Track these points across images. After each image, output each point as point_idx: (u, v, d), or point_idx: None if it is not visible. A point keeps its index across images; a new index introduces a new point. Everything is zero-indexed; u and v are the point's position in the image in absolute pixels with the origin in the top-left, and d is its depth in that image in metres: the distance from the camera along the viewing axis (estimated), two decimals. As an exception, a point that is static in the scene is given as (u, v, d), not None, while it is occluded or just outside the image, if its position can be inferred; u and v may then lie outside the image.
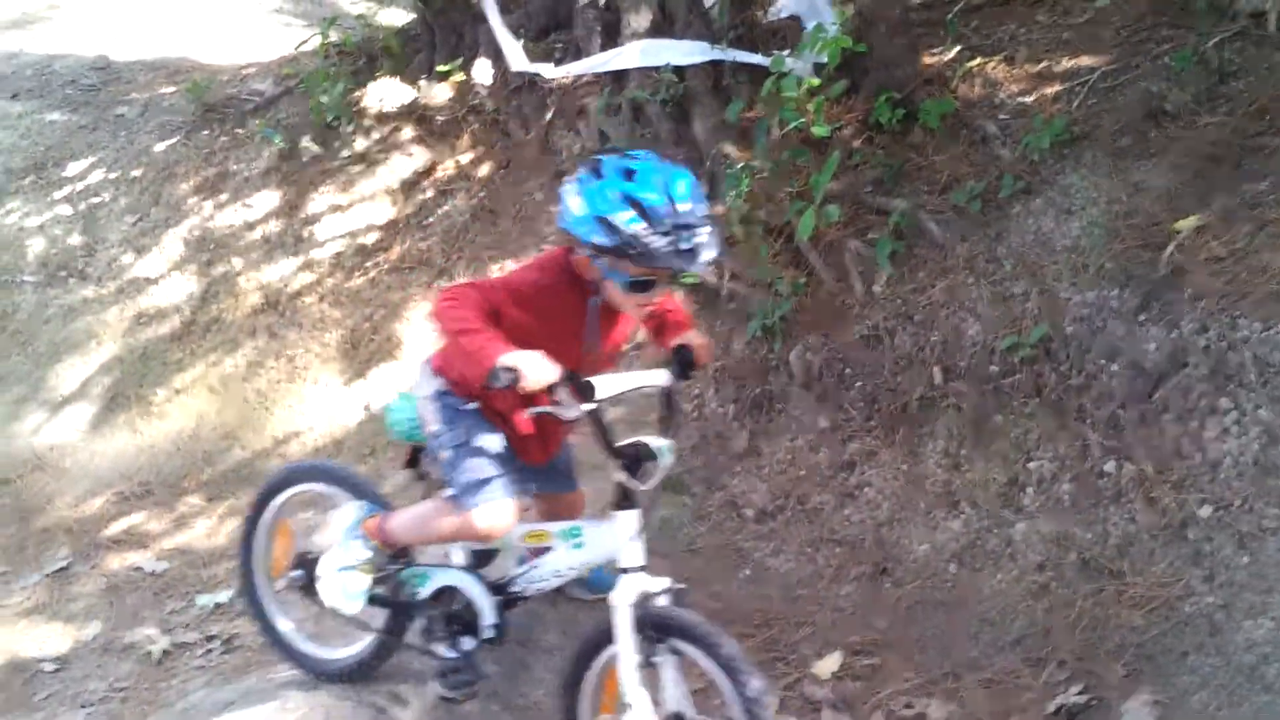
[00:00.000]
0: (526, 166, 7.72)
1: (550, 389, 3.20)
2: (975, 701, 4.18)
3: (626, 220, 3.20)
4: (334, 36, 8.95)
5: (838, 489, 5.33)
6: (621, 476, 3.38)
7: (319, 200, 8.11)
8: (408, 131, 8.19)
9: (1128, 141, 5.34)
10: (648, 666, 3.35)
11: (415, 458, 4.01)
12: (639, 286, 3.36)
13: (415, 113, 8.20)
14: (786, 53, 6.36)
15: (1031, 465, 4.86)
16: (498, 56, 8.07)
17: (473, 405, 3.62)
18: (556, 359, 3.20)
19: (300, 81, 8.80)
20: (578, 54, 7.90)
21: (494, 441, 3.60)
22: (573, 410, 3.31)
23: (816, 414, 5.57)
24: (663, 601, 3.38)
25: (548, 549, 3.71)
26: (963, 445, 5.09)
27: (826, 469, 5.41)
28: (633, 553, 3.41)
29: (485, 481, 3.53)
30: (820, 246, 5.87)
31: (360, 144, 8.18)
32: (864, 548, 5.05)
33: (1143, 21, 5.91)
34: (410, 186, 8.03)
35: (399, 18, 10.15)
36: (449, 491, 3.62)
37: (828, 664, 4.52)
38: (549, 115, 7.71)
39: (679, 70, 7.03)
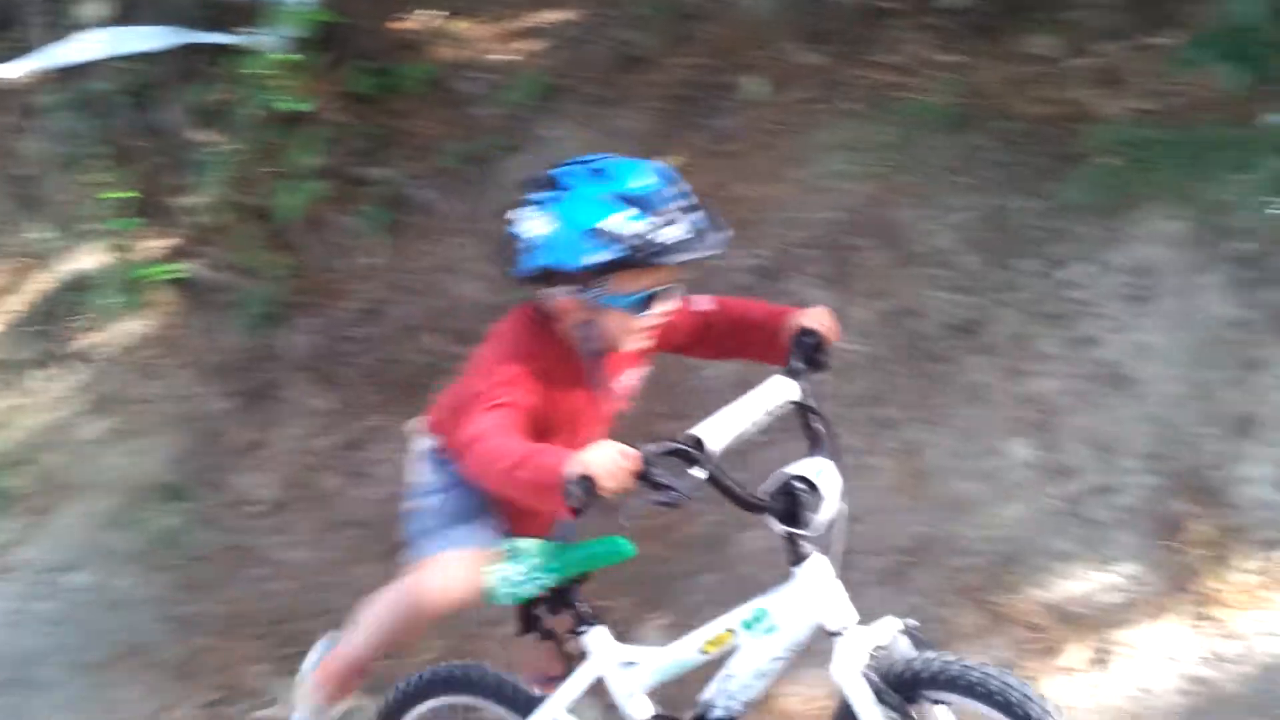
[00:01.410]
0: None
1: (644, 475, 2.40)
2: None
3: (628, 219, 2.62)
4: None
5: (349, 470, 5.22)
6: (784, 529, 2.67)
7: None
8: None
9: (603, 90, 5.56)
10: None
11: (529, 619, 3.18)
12: (648, 302, 2.77)
13: None
14: (258, 30, 6.23)
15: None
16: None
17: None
18: (587, 436, 2.71)
19: None
20: (30, 50, 7.42)
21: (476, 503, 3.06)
22: (688, 484, 2.44)
23: (320, 396, 5.45)
24: (902, 648, 2.70)
25: (734, 650, 2.87)
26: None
27: (335, 451, 5.30)
28: (838, 609, 2.69)
29: (442, 529, 3.04)
30: (310, 225, 5.78)
31: None
32: (379, 526, 4.98)
33: (615, -31, 6.18)
34: None
35: None
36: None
37: (350, 650, 4.42)
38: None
39: (148, 57, 6.74)
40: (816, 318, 2.93)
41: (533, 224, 2.72)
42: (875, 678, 2.61)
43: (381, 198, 5.63)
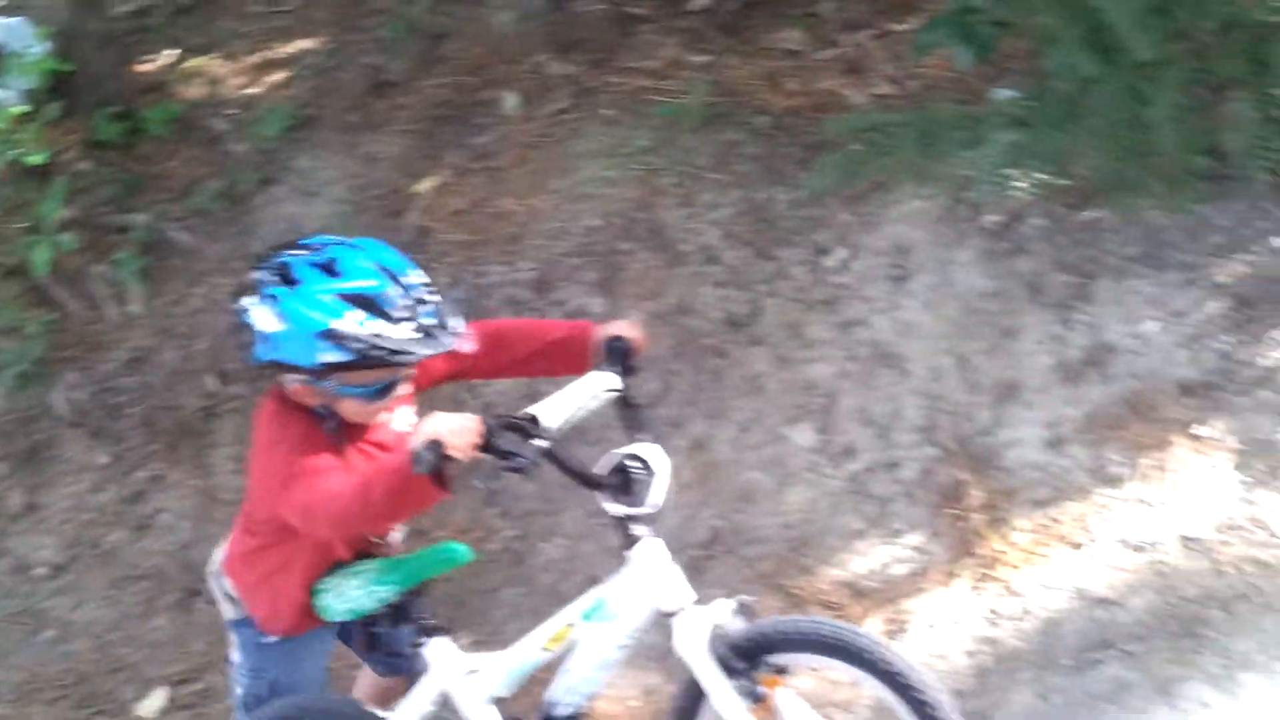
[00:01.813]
0: None
1: (487, 444, 2.46)
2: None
3: (359, 322, 2.61)
4: None
5: (131, 523, 5.07)
6: (620, 508, 2.72)
7: None
8: None
9: (356, 117, 5.53)
10: (758, 702, 2.68)
11: (371, 638, 3.09)
12: (382, 391, 2.78)
13: None
14: (-11, 84, 6.02)
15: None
16: None
17: (273, 639, 3.10)
18: None
19: None
20: None
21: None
22: (532, 453, 2.49)
23: (93, 451, 5.28)
24: (737, 624, 2.74)
25: (574, 644, 2.87)
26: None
27: (116, 505, 5.14)
28: (675, 588, 2.72)
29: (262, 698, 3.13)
30: (64, 278, 5.59)
31: None
32: (169, 575, 4.86)
33: (353, -2, 6.17)
34: None
35: None
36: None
37: (152, 702, 4.40)
38: None
39: None
40: (623, 328, 2.98)
41: (263, 317, 2.67)
42: (721, 649, 2.65)
43: (138, 243, 5.49)
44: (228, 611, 3.17)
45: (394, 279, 2.68)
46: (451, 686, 2.95)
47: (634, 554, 2.73)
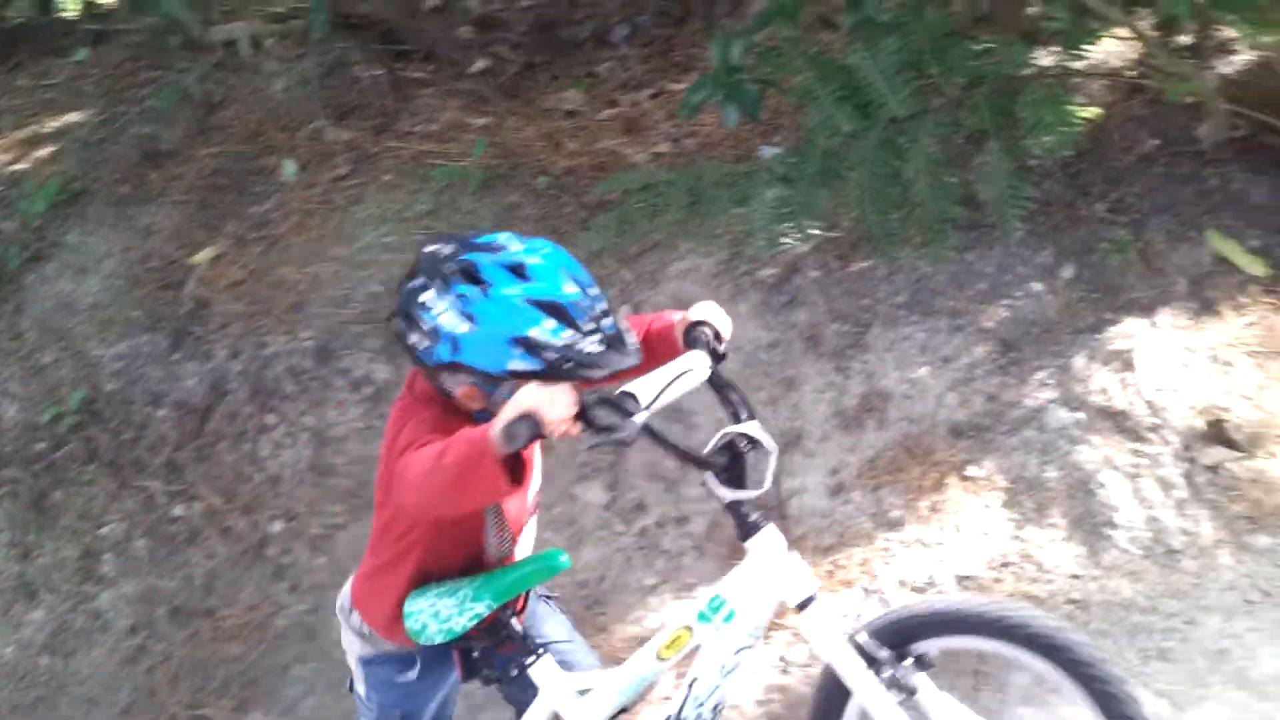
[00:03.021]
0: None
1: (585, 415, 2.31)
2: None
3: (551, 331, 2.46)
4: None
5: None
6: (731, 492, 2.54)
7: None
8: None
9: (129, 188, 5.47)
10: (910, 695, 2.53)
11: (468, 664, 2.89)
12: None
13: None
14: None
15: (104, 531, 4.78)
16: None
17: (412, 675, 2.87)
18: (511, 511, 2.71)
19: None
20: None
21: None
22: (631, 429, 2.34)
23: None
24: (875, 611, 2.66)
25: (695, 649, 2.70)
26: (28, 532, 4.90)
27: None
28: (800, 577, 2.56)
29: None
30: None
31: None
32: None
33: (123, 68, 6.08)
34: None
35: None
36: None
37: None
38: None
39: None
40: (704, 311, 2.80)
41: (449, 317, 2.49)
42: (863, 640, 2.52)
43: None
44: (356, 648, 2.94)
45: (582, 287, 2.52)
46: (563, 708, 2.78)
47: (753, 543, 2.57)
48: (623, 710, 2.78)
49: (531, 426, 2.20)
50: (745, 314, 4.49)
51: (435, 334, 2.48)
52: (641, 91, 5.58)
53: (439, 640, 2.70)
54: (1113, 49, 4.98)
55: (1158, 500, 4.00)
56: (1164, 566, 3.86)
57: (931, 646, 2.53)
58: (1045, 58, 4.52)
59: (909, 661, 2.52)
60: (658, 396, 2.44)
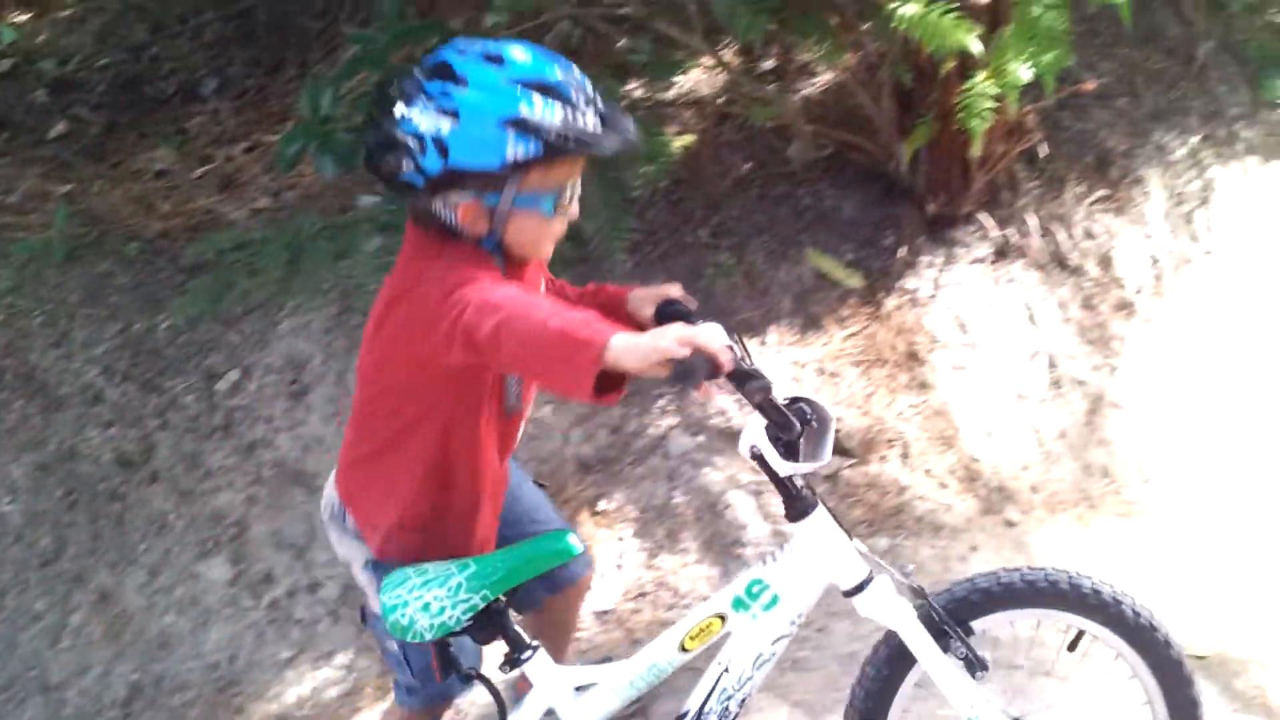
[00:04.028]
0: None
1: (737, 363, 2.17)
2: None
3: (543, 109, 2.24)
4: None
5: None
6: (790, 466, 2.35)
7: None
8: None
9: None
10: (984, 670, 2.49)
11: (447, 660, 2.59)
12: (556, 206, 2.38)
13: None
14: None
15: None
16: None
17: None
18: None
19: None
20: None
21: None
22: (767, 380, 2.23)
23: None
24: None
25: (725, 637, 2.54)
26: None
27: None
28: (854, 562, 2.46)
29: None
30: None
31: None
32: None
33: None
34: None
35: None
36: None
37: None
38: None
39: None
40: (670, 290, 2.71)
41: (429, 120, 2.28)
42: (933, 616, 2.50)
43: None
44: (359, 554, 2.65)
45: (565, 69, 2.33)
46: (560, 706, 2.61)
47: (804, 525, 2.47)
48: (633, 702, 2.67)
49: (709, 369, 2.09)
50: (352, 368, 4.41)
51: (419, 144, 2.29)
52: (236, 145, 5.43)
53: (429, 637, 2.46)
54: (702, 78, 5.17)
55: (781, 514, 4.15)
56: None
57: (996, 619, 2.55)
58: (637, 90, 4.65)
59: (972, 638, 2.51)
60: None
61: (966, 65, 4.02)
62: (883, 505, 4.23)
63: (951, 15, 3.74)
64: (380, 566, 2.57)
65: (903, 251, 4.67)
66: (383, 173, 2.38)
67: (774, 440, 2.36)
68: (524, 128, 2.25)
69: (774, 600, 2.52)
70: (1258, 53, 5.57)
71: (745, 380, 2.22)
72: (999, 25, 4.09)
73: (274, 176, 5.09)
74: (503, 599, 2.51)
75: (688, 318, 2.60)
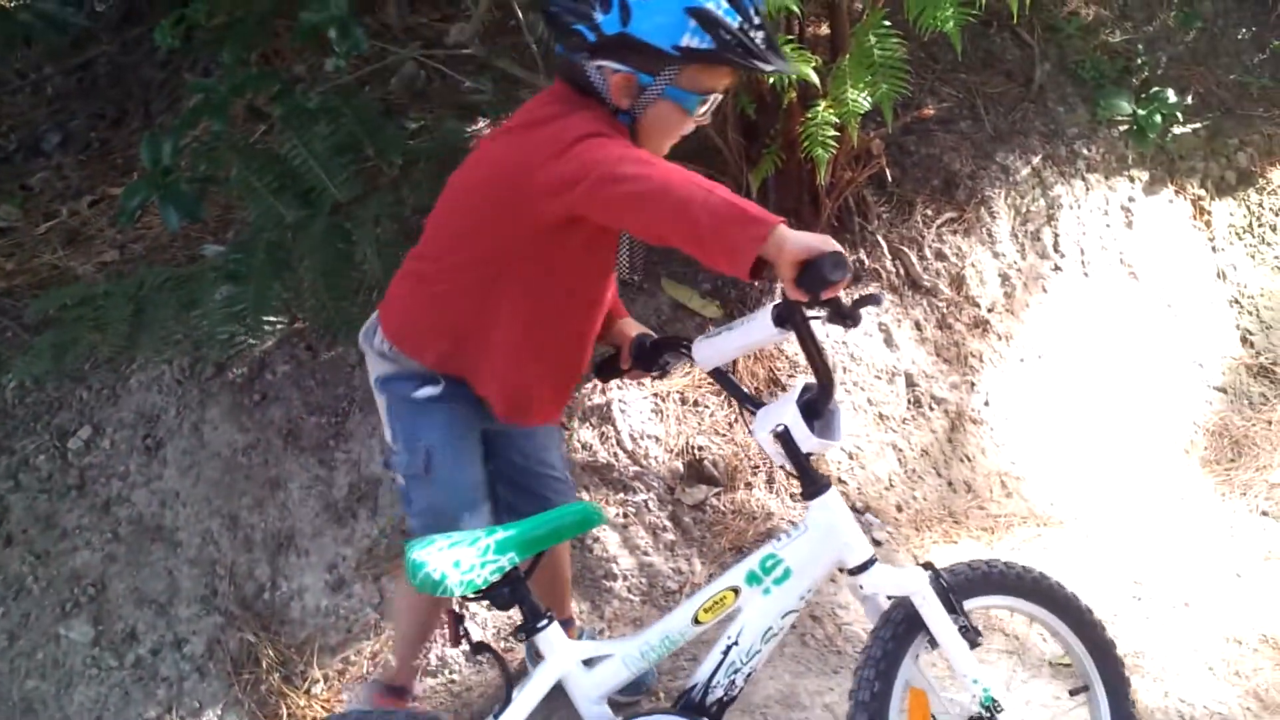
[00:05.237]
0: None
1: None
2: None
3: (725, 10, 2.45)
4: None
5: None
6: (820, 442, 2.56)
7: None
8: None
9: None
10: (978, 644, 2.68)
11: (458, 629, 2.68)
12: (702, 106, 2.62)
13: None
14: None
15: None
16: None
17: (434, 391, 2.80)
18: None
19: None
20: None
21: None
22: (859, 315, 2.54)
23: None
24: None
25: (736, 612, 2.68)
26: None
27: None
28: (860, 541, 2.65)
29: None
30: None
31: None
32: None
33: None
34: None
35: None
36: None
37: None
38: None
39: None
40: (639, 327, 3.05)
41: None
42: (948, 580, 2.66)
43: None
44: (376, 367, 2.93)
45: None
46: (570, 677, 2.70)
47: (819, 502, 2.64)
48: (641, 675, 2.80)
49: (844, 272, 2.28)
50: (218, 418, 4.38)
51: (605, 3, 2.46)
52: (81, 199, 5.38)
53: (457, 593, 2.55)
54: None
55: (649, 545, 4.21)
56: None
57: (985, 603, 2.77)
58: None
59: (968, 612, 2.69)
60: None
61: (808, 95, 4.14)
62: (750, 531, 4.31)
63: (789, 46, 3.86)
64: (388, 382, 2.89)
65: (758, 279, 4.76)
66: (559, 22, 2.54)
67: (806, 413, 2.55)
68: (704, 20, 2.44)
69: (786, 574, 2.65)
70: (1093, 73, 5.80)
71: (866, 301, 2.52)
72: (838, 55, 4.22)
73: (120, 229, 5.05)
74: (524, 565, 2.63)
75: (677, 348, 2.89)
